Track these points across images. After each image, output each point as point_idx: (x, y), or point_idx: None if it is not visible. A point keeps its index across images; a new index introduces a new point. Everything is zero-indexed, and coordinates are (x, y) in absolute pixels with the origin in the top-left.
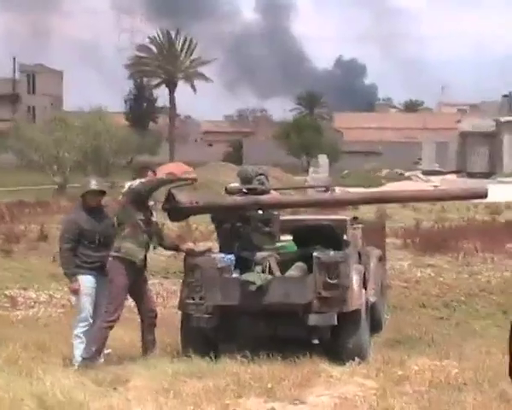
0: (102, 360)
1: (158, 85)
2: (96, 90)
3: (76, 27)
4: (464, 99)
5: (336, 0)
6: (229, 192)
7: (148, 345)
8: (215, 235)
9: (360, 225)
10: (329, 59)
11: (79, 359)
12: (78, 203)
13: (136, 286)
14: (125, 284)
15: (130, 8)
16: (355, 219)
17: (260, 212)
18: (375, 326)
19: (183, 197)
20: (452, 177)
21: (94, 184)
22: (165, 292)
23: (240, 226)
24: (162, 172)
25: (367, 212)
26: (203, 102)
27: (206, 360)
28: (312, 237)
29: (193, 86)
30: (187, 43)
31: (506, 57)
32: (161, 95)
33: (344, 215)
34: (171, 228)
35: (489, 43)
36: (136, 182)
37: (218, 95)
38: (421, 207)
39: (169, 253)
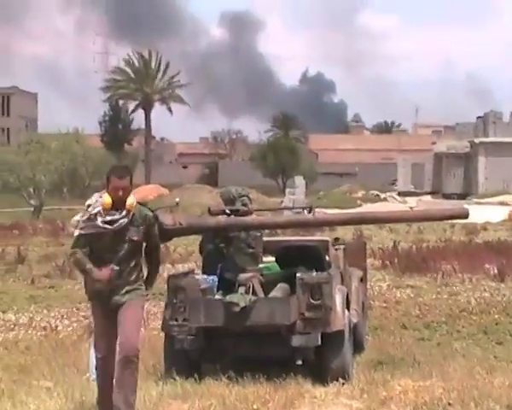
0: None
1: (136, 109)
2: (68, 112)
3: (44, 50)
4: (437, 120)
5: (306, 20)
6: (213, 213)
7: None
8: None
9: (342, 246)
10: (297, 78)
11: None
12: None
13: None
14: (97, 319)
15: (93, 28)
16: (337, 239)
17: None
18: (357, 347)
19: (167, 218)
20: (428, 198)
21: None
22: (146, 314)
23: (223, 247)
24: (138, 195)
25: (344, 233)
26: (174, 123)
27: (190, 382)
28: (295, 258)
29: (169, 109)
30: (163, 65)
31: (475, 77)
32: (136, 117)
33: (325, 236)
34: None
35: (457, 63)
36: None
37: (185, 115)
38: (398, 229)
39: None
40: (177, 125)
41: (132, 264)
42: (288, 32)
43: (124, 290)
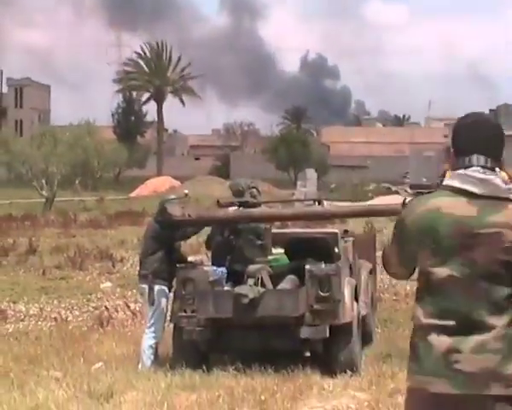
0: None
1: (147, 101)
2: (81, 103)
3: (43, 40)
4: (449, 113)
5: (314, 12)
6: (221, 205)
7: None
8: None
9: (351, 238)
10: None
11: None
12: None
13: None
14: None
15: (93, 17)
16: (346, 232)
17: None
18: (366, 339)
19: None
20: None
21: None
22: None
23: (232, 239)
24: (149, 187)
25: (355, 226)
26: (180, 113)
27: (198, 373)
28: (304, 250)
29: (181, 100)
30: (174, 57)
31: (484, 69)
32: (148, 109)
33: (334, 228)
34: None
35: (465, 55)
36: None
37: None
38: None
39: None
40: (182, 115)
41: None
42: (296, 25)
43: None
